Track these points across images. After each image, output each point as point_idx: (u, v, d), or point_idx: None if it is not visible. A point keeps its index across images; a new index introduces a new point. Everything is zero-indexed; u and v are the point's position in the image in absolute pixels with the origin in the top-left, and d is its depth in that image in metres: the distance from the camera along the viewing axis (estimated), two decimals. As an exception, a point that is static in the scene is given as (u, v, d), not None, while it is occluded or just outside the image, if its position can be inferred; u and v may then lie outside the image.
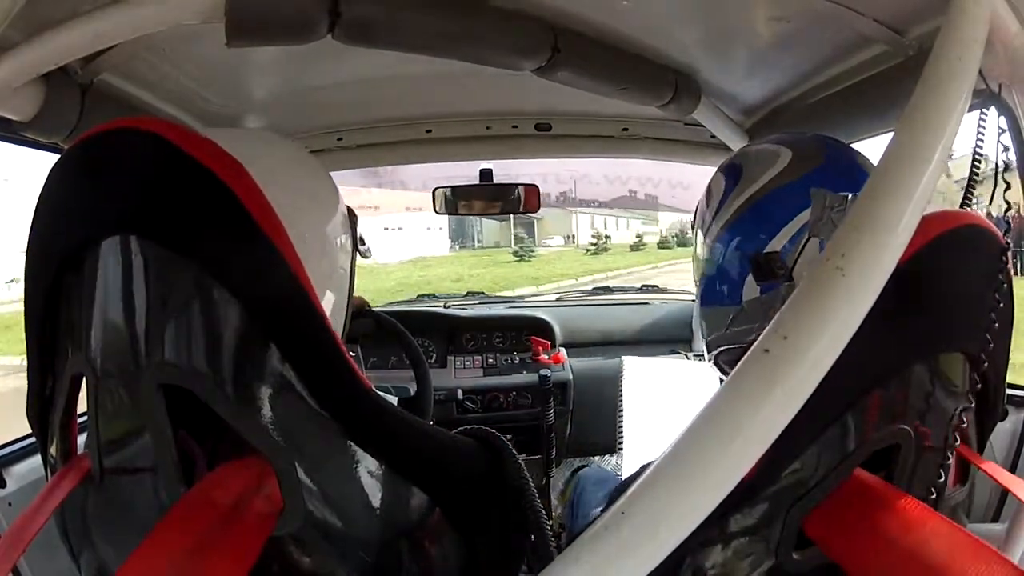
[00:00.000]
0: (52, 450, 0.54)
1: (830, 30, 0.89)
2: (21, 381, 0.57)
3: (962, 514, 0.59)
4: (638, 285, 2.25)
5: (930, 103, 0.44)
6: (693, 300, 0.83)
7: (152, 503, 0.46)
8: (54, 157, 0.53)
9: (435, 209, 1.65)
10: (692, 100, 1.17)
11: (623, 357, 1.41)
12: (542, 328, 1.84)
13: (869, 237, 0.41)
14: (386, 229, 18.15)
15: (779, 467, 0.49)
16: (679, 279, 2.38)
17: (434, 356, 1.78)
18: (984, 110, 0.60)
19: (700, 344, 0.80)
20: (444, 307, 1.98)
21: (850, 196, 0.56)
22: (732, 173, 0.68)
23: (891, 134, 0.45)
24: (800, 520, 0.49)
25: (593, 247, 21.55)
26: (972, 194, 0.59)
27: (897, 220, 0.41)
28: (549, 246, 22.75)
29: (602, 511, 0.51)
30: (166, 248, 0.45)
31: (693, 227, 0.78)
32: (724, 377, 0.78)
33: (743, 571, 0.50)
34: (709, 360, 0.76)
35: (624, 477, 1.18)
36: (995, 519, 1.02)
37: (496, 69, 0.96)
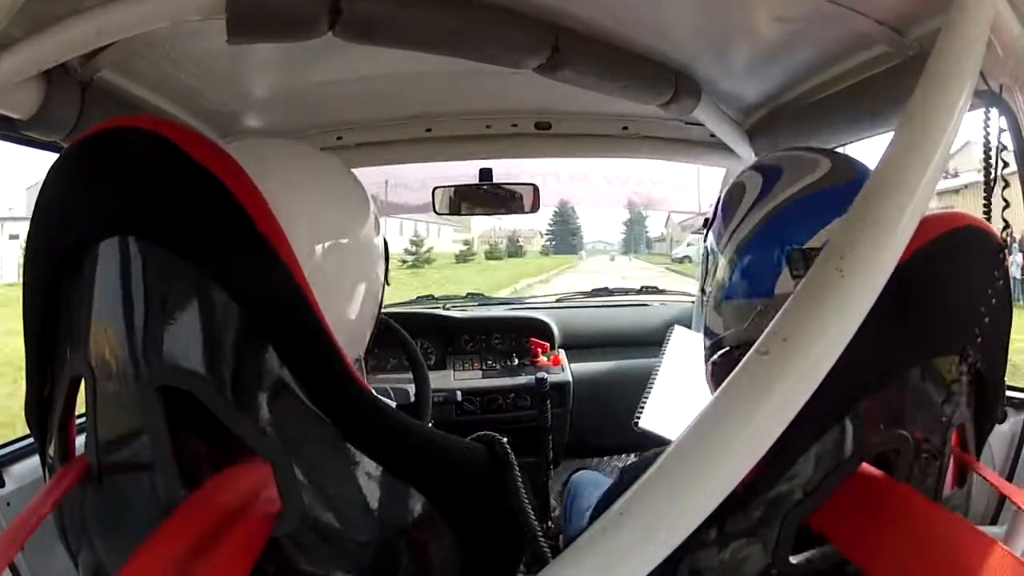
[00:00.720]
0: (51, 450, 0.54)
1: (831, 30, 0.89)
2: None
3: (961, 516, 0.59)
4: (638, 287, 2.26)
5: (930, 103, 0.44)
6: (692, 303, 0.83)
7: (150, 503, 0.46)
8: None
9: (435, 209, 1.64)
10: (692, 99, 1.17)
11: (674, 325, 1.41)
12: (541, 330, 1.84)
13: (868, 238, 0.41)
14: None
15: (778, 469, 0.49)
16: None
17: (433, 358, 1.78)
18: (987, 111, 0.60)
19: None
20: (443, 309, 1.98)
21: None
22: (771, 172, 0.70)
23: (891, 134, 0.45)
24: (798, 522, 0.49)
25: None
26: (991, 197, 0.59)
27: (896, 221, 0.41)
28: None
29: (593, 513, 0.51)
30: (165, 249, 0.45)
31: (709, 224, 0.78)
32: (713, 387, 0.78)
33: (740, 573, 0.50)
34: (709, 364, 0.76)
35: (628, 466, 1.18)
36: (993, 521, 1.02)
37: (496, 67, 0.95)
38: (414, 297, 2.24)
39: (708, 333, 0.75)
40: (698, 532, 0.38)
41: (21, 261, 0.53)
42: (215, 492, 0.45)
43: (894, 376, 0.51)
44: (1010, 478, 1.05)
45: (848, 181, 0.65)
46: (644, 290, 2.23)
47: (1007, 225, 0.56)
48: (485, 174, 1.62)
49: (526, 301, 2.23)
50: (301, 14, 0.78)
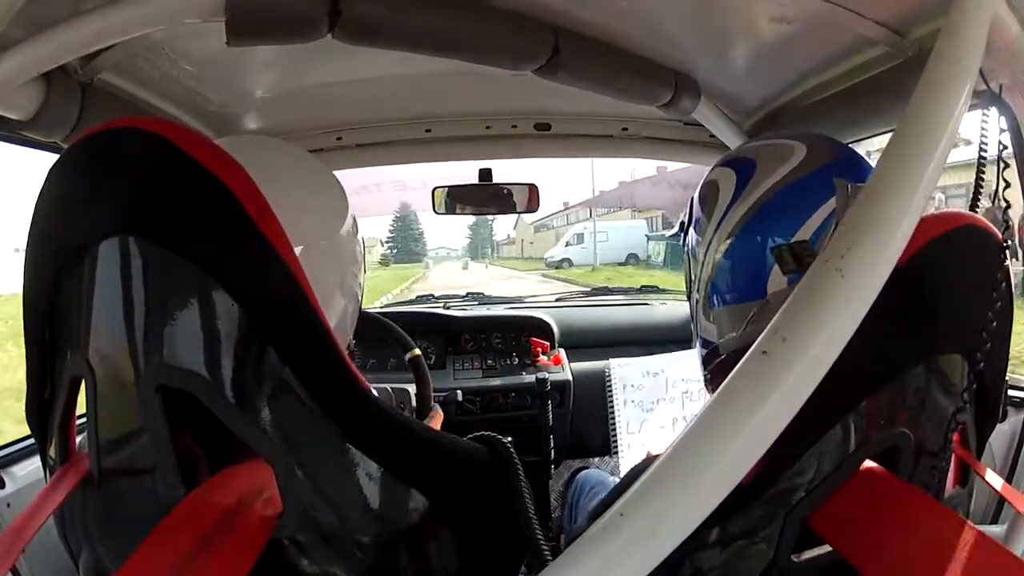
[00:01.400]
0: (51, 451, 0.54)
1: (830, 31, 0.89)
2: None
3: (962, 515, 0.59)
4: (638, 286, 2.26)
5: (930, 104, 0.44)
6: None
7: (151, 504, 0.46)
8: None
9: (434, 209, 1.65)
10: (692, 100, 1.17)
11: (609, 360, 1.41)
12: (541, 329, 1.84)
13: (868, 238, 0.41)
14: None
15: (779, 469, 0.49)
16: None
17: (433, 358, 1.78)
18: (985, 111, 0.60)
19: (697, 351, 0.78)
20: (444, 308, 1.98)
21: None
22: (744, 168, 0.67)
23: (890, 135, 0.45)
24: (800, 522, 0.49)
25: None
26: (979, 196, 0.59)
27: (896, 221, 0.41)
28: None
29: (594, 512, 0.51)
30: (165, 249, 0.45)
31: (685, 228, 0.76)
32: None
33: (743, 573, 0.50)
34: (706, 373, 0.75)
35: (622, 475, 1.19)
36: (994, 521, 1.02)
37: (496, 69, 0.96)
38: (414, 297, 2.24)
39: (703, 342, 0.74)
40: (700, 532, 0.38)
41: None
42: (213, 492, 0.45)
43: (896, 375, 0.51)
44: (1010, 477, 1.05)
45: (824, 164, 0.63)
46: (644, 289, 2.24)
47: (1008, 226, 0.56)
48: (484, 174, 1.62)
49: (526, 300, 2.23)
50: (300, 16, 0.78)
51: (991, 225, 0.55)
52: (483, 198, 1.63)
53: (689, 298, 0.77)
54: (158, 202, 0.46)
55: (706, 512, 0.38)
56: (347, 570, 0.49)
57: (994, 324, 0.53)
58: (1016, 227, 0.58)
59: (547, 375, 1.62)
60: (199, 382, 0.45)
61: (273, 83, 1.22)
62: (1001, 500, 1.02)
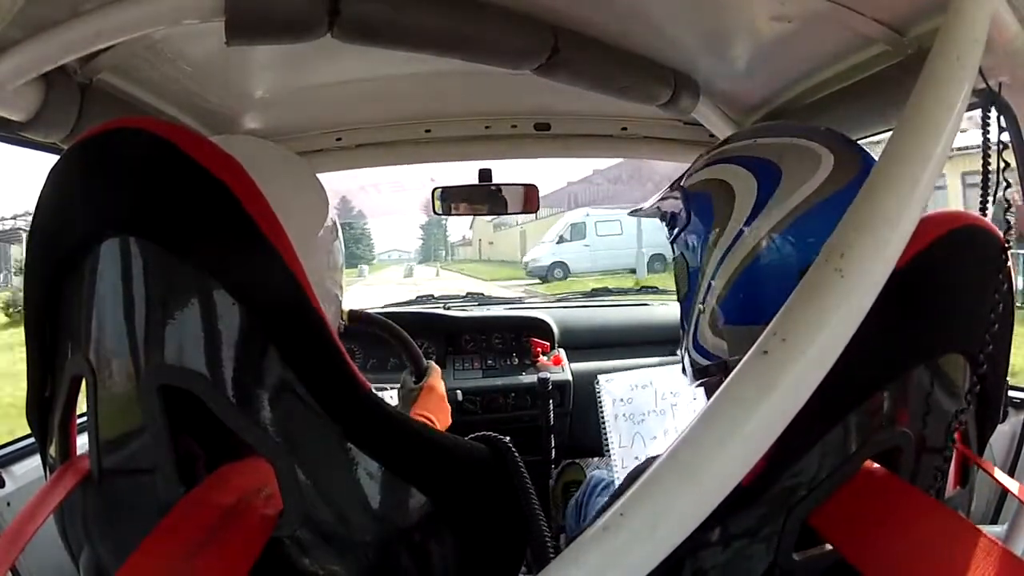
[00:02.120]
0: (51, 450, 0.54)
1: (830, 29, 0.89)
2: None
3: (962, 515, 0.59)
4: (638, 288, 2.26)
5: (929, 103, 0.44)
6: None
7: (151, 503, 0.46)
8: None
9: (434, 210, 1.65)
10: (691, 99, 1.17)
11: (598, 376, 1.41)
12: (541, 329, 1.84)
13: (868, 238, 0.41)
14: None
15: (780, 469, 0.49)
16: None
17: (433, 358, 1.78)
18: (986, 110, 0.60)
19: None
20: (444, 308, 1.98)
21: None
22: (766, 171, 0.62)
23: (890, 133, 0.45)
24: (801, 521, 0.49)
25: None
26: (987, 196, 0.58)
27: (896, 220, 0.41)
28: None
29: (598, 515, 0.51)
30: (166, 249, 0.45)
31: (680, 227, 0.71)
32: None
33: (743, 572, 0.50)
34: (698, 385, 0.73)
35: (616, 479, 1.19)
36: (994, 521, 1.02)
37: (495, 68, 0.96)
38: (413, 297, 2.24)
39: (704, 353, 0.69)
40: (701, 531, 0.38)
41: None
42: (213, 490, 0.45)
43: (897, 375, 0.51)
44: (1010, 477, 1.05)
45: (855, 178, 0.60)
46: (644, 290, 2.24)
47: (1010, 226, 0.56)
48: (484, 175, 1.62)
49: (526, 301, 2.23)
50: (299, 15, 0.78)
51: (992, 225, 0.55)
52: (481, 199, 1.62)
53: (683, 302, 0.73)
54: (159, 202, 0.46)
55: (706, 512, 0.38)
56: (348, 569, 0.49)
57: (996, 326, 0.53)
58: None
59: (548, 375, 1.62)
60: (200, 382, 0.45)
61: (273, 83, 1.22)
62: (1001, 501, 1.02)
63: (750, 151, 0.66)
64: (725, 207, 0.63)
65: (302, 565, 0.47)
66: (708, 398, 0.74)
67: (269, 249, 0.45)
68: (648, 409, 1.36)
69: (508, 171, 1.62)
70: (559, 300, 2.23)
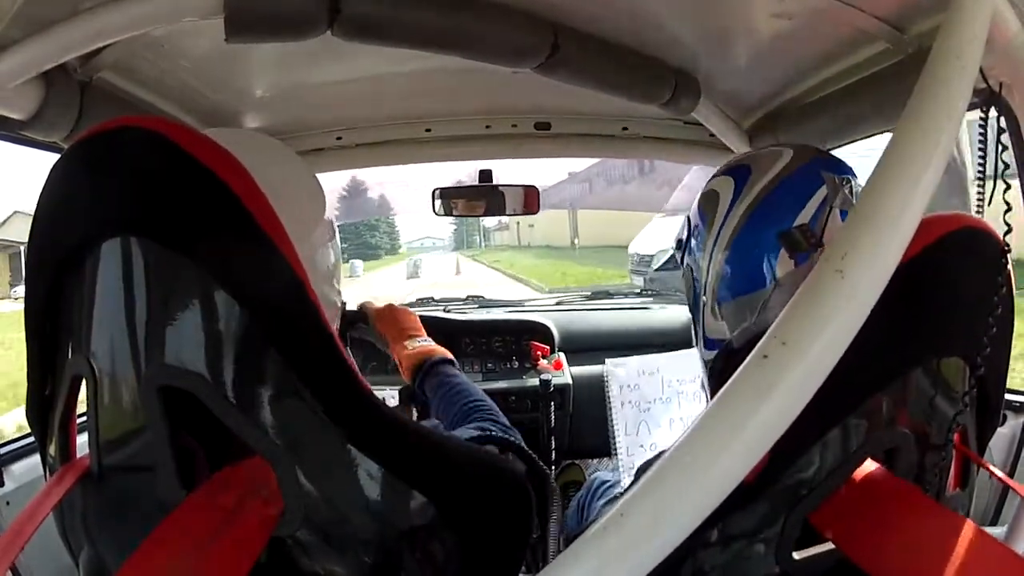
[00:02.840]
0: (51, 450, 0.54)
1: (830, 27, 0.89)
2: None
3: (963, 516, 0.59)
4: (637, 290, 2.26)
5: (930, 102, 0.44)
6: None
7: (151, 503, 0.46)
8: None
9: (434, 210, 1.64)
10: (692, 99, 1.17)
11: (606, 360, 1.41)
12: (541, 333, 1.84)
13: (868, 238, 0.41)
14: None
15: (780, 470, 0.49)
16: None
17: None
18: (984, 109, 0.60)
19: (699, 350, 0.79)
20: (443, 311, 1.98)
21: (851, 177, 0.68)
22: (740, 172, 0.73)
23: (890, 133, 0.45)
24: (800, 521, 0.49)
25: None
26: (982, 195, 0.59)
27: (897, 221, 0.41)
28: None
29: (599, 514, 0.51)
30: (167, 249, 0.45)
31: (684, 243, 0.79)
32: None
33: (744, 572, 0.50)
34: (711, 379, 0.75)
35: (623, 481, 1.19)
36: (993, 522, 1.02)
37: (495, 67, 0.95)
38: (413, 299, 2.24)
39: (710, 344, 0.75)
40: (701, 531, 0.38)
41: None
42: (214, 490, 0.45)
43: (897, 377, 0.51)
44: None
45: (811, 159, 0.71)
46: (644, 293, 2.24)
47: (1009, 229, 0.56)
48: (485, 175, 1.62)
49: (526, 304, 2.23)
50: (300, 13, 0.78)
51: (992, 228, 0.55)
52: (481, 199, 1.62)
53: (693, 308, 0.78)
54: (160, 202, 0.46)
55: (706, 512, 0.38)
56: (348, 569, 0.49)
57: (994, 329, 0.53)
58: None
59: (549, 378, 1.62)
60: (200, 382, 0.45)
61: (273, 82, 1.22)
62: (1000, 503, 1.03)
63: (729, 164, 0.77)
64: (711, 210, 0.74)
65: (303, 565, 0.47)
66: (712, 393, 0.76)
67: (270, 249, 0.45)
68: (655, 396, 1.36)
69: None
70: (558, 303, 2.22)
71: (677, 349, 1.86)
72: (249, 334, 0.45)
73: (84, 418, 0.49)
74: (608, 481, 1.19)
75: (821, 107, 1.08)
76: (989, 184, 0.59)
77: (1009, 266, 0.55)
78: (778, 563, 0.50)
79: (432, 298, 2.25)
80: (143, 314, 0.46)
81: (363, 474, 0.48)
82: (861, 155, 1.00)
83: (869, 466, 0.50)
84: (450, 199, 1.64)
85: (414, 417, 0.96)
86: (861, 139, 1.06)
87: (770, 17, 0.91)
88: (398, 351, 0.92)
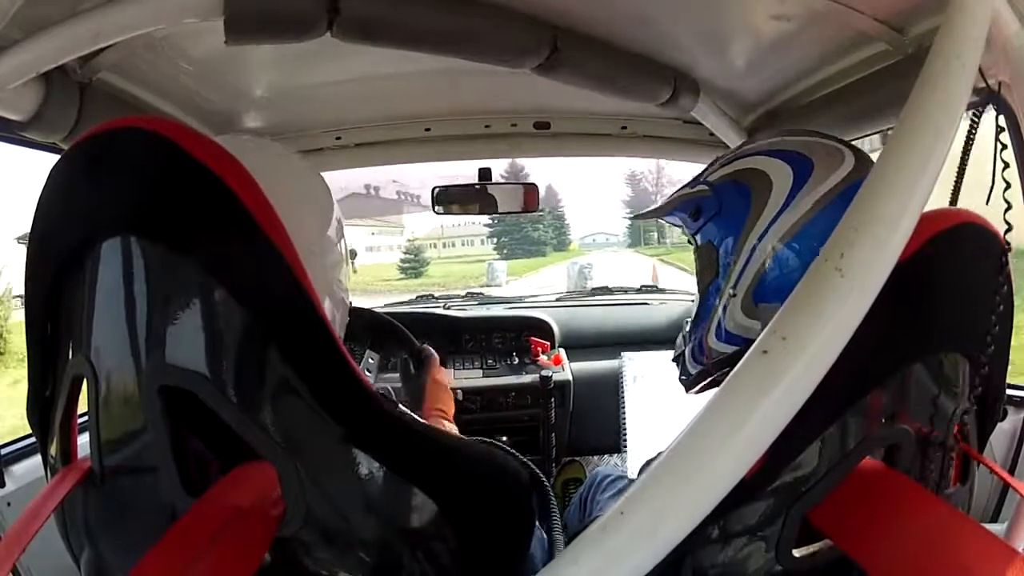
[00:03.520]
0: (52, 450, 0.54)
1: (829, 28, 0.89)
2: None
3: (963, 512, 0.59)
4: (637, 285, 2.26)
5: (929, 101, 0.44)
6: (692, 301, 0.80)
7: (152, 504, 0.46)
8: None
9: (434, 209, 1.64)
10: (691, 98, 1.17)
11: (623, 353, 1.40)
12: (542, 329, 1.84)
13: (868, 236, 0.41)
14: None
15: (779, 466, 0.49)
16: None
17: None
18: (978, 109, 0.60)
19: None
20: (444, 308, 1.98)
21: None
22: (799, 160, 0.67)
23: (890, 133, 0.45)
24: (800, 517, 0.49)
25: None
26: (958, 191, 0.59)
27: (896, 219, 0.41)
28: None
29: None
30: (167, 249, 0.45)
31: (704, 216, 0.72)
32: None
33: (743, 569, 0.51)
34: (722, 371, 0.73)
35: (630, 472, 1.19)
36: (994, 519, 1.02)
37: (495, 67, 0.96)
38: (414, 296, 2.24)
39: (730, 339, 0.70)
40: (701, 529, 0.38)
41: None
42: (222, 494, 0.45)
43: (896, 372, 0.51)
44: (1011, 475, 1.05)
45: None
46: (644, 289, 2.23)
47: (1010, 227, 0.56)
48: (484, 174, 1.62)
49: (526, 300, 2.23)
50: (299, 14, 0.78)
51: (992, 225, 0.55)
52: (480, 198, 1.62)
53: (706, 291, 0.74)
54: (160, 202, 0.46)
55: (706, 510, 0.38)
56: (350, 568, 0.49)
57: (997, 328, 0.53)
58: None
59: (550, 374, 1.62)
60: (201, 382, 0.45)
61: (272, 82, 1.22)
62: (1001, 498, 1.03)
63: (781, 145, 0.69)
64: (762, 191, 0.67)
65: (306, 565, 0.47)
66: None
67: (270, 248, 0.45)
68: (666, 390, 1.35)
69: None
70: (559, 299, 2.23)
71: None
72: (249, 333, 0.45)
73: (85, 418, 0.49)
74: (611, 476, 1.19)
75: (820, 106, 1.08)
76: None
77: (1010, 264, 0.55)
78: (778, 560, 0.50)
79: (432, 295, 2.26)
80: (143, 314, 0.46)
81: (364, 473, 0.48)
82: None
83: (869, 463, 0.50)
84: (449, 199, 1.63)
85: None
86: (861, 138, 1.06)
87: (769, 18, 0.91)
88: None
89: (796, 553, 0.50)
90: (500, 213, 1.64)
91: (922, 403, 0.53)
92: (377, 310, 1.87)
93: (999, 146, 0.58)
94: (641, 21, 0.99)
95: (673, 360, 0.82)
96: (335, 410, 0.47)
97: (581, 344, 1.87)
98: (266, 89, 1.24)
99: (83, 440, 0.51)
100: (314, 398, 0.46)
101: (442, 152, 1.54)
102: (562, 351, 1.81)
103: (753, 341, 0.67)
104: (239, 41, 0.76)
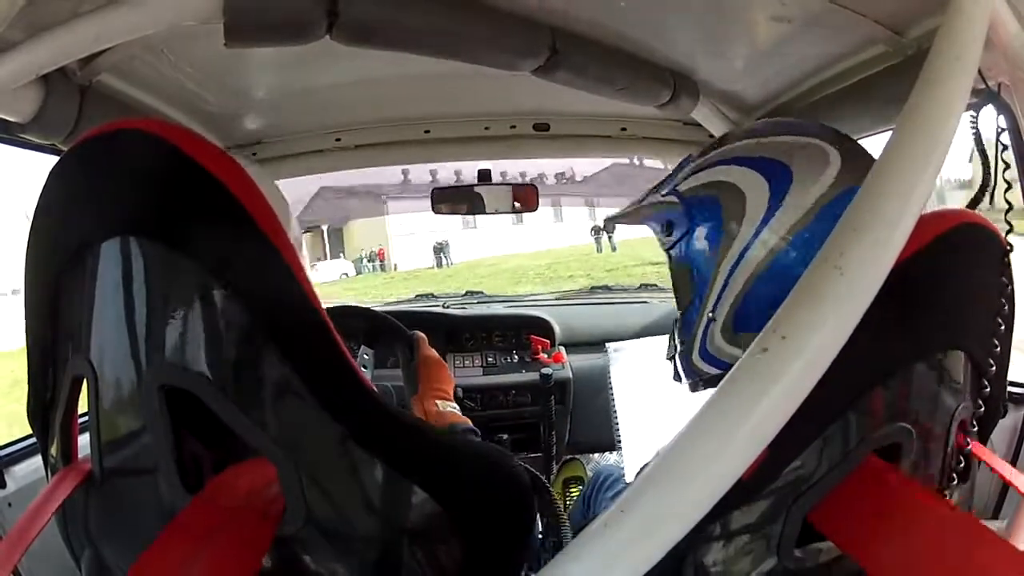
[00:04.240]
0: (52, 451, 0.54)
1: (829, 30, 0.89)
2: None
3: (964, 510, 0.59)
4: (637, 284, 2.26)
5: (929, 102, 0.44)
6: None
7: (153, 504, 0.46)
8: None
9: (433, 209, 1.65)
10: (690, 100, 1.17)
11: (606, 345, 1.40)
12: (541, 327, 1.84)
13: (868, 236, 0.41)
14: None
15: (780, 464, 0.49)
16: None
17: None
18: (976, 111, 0.60)
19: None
20: (443, 307, 1.98)
21: None
22: (776, 172, 0.60)
23: (889, 133, 0.45)
24: (802, 516, 0.49)
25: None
26: (984, 193, 0.58)
27: (896, 219, 0.41)
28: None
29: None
30: (167, 249, 0.45)
31: (678, 232, 0.68)
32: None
33: (745, 568, 0.51)
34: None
35: (626, 468, 1.18)
36: (995, 516, 1.02)
37: (494, 69, 0.96)
38: (413, 296, 2.25)
39: (714, 362, 0.67)
40: (702, 527, 0.38)
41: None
42: (219, 490, 0.45)
43: (897, 371, 0.51)
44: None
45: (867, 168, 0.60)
46: (643, 287, 2.24)
47: (1011, 227, 0.56)
48: (484, 175, 1.62)
49: (525, 299, 2.23)
50: (298, 17, 0.78)
51: (993, 225, 0.55)
52: (479, 199, 1.62)
53: (685, 310, 0.70)
54: (159, 202, 0.46)
55: (706, 508, 0.38)
56: (350, 567, 0.49)
57: (1002, 328, 0.53)
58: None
59: (550, 371, 1.62)
60: (201, 381, 0.45)
61: (271, 85, 1.22)
62: (1002, 496, 1.03)
63: (756, 151, 0.63)
64: (736, 211, 0.61)
65: (304, 563, 0.47)
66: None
67: (269, 247, 0.45)
68: (655, 380, 1.35)
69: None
70: (559, 298, 2.23)
71: None
72: (249, 333, 0.45)
73: (85, 419, 0.49)
74: (614, 474, 1.19)
75: (820, 108, 1.08)
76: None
77: (1011, 264, 0.56)
78: (780, 559, 0.50)
79: (431, 294, 2.26)
80: (143, 314, 0.46)
81: (364, 472, 0.48)
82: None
83: (870, 462, 0.50)
84: (448, 199, 1.64)
85: None
86: (861, 139, 1.06)
87: (769, 20, 0.91)
88: (426, 405, 0.93)
89: (798, 552, 0.50)
90: (499, 213, 1.64)
91: (923, 402, 0.53)
92: (375, 308, 1.88)
93: (999, 147, 0.58)
94: (640, 23, 0.99)
95: (668, 359, 0.80)
96: (335, 408, 0.47)
97: (581, 342, 1.87)
98: (266, 91, 1.24)
99: (83, 440, 0.52)
100: (314, 397, 0.46)
101: (442, 153, 1.54)
102: (562, 349, 1.81)
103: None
104: (239, 44, 0.77)
